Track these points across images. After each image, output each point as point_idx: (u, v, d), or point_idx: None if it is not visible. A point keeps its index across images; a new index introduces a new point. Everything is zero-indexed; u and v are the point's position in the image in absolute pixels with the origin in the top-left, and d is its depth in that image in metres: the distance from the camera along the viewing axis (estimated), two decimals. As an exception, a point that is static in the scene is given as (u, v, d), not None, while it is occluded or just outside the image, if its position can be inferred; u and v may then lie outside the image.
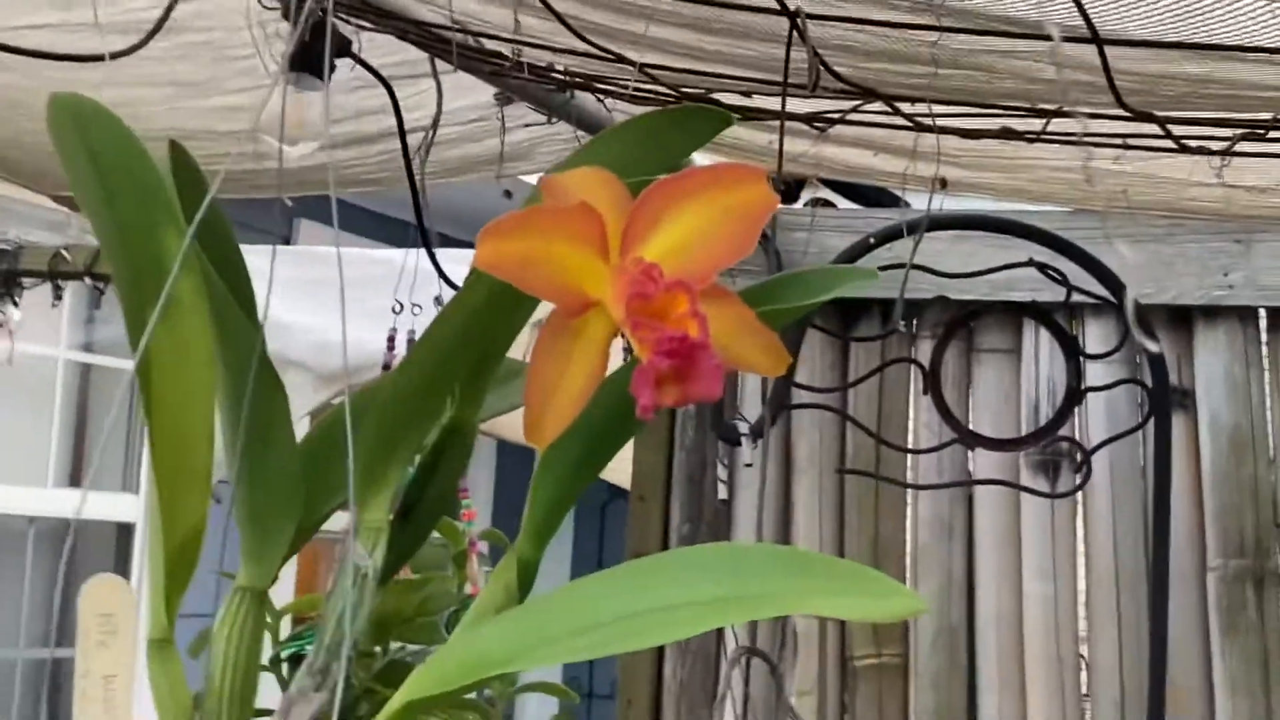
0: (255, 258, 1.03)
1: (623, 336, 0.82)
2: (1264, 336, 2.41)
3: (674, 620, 0.81)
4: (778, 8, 1.36)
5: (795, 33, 1.38)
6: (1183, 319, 2.43)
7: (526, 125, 2.30)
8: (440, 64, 1.89)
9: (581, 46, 1.68)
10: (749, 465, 1.91)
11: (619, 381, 0.89)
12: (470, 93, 2.24)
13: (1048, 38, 1.32)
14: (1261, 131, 1.70)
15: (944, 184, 1.82)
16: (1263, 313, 2.41)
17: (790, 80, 1.40)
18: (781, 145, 1.57)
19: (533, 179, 2.42)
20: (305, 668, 0.92)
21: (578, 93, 2.18)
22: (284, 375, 0.96)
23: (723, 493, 2.26)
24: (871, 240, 1.86)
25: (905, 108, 1.78)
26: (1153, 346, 2.23)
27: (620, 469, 4.66)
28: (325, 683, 0.91)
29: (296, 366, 3.16)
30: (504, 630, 0.87)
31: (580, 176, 0.86)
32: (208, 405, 0.91)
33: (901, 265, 1.91)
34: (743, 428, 1.71)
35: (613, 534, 7.04)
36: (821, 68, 1.33)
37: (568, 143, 2.43)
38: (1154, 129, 1.76)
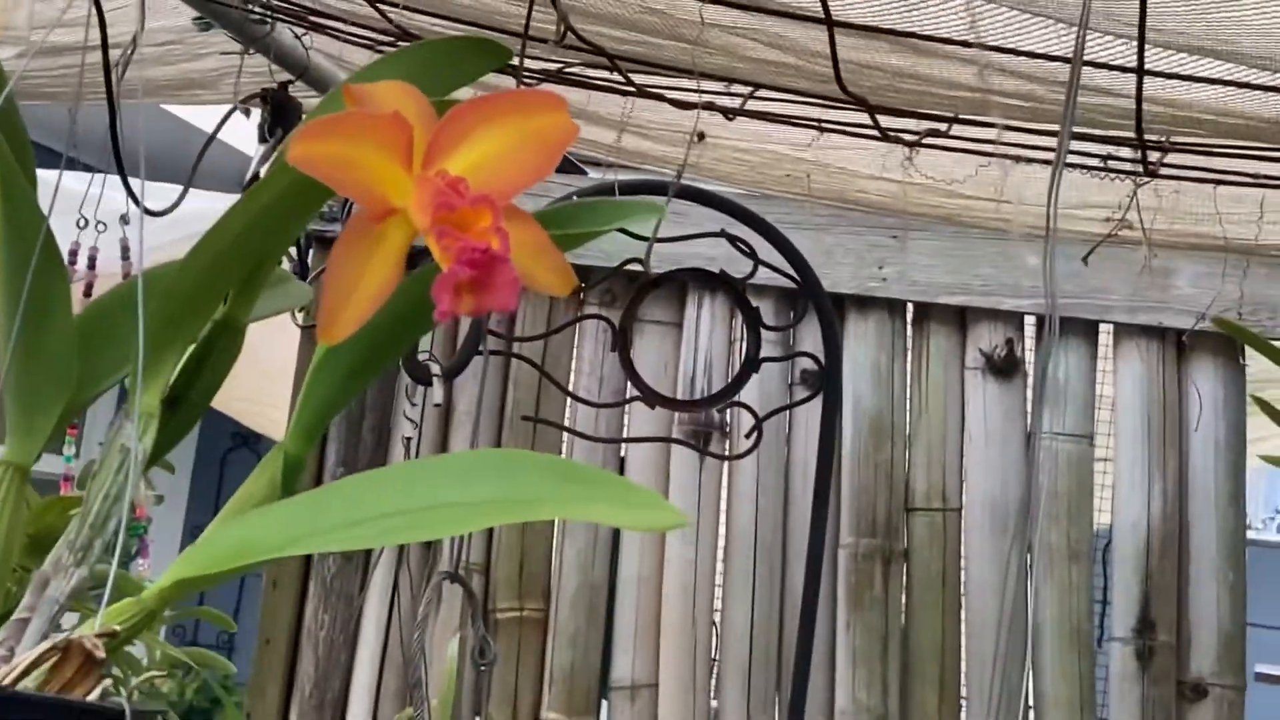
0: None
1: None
2: (909, 329, 2.56)
3: (450, 517, 0.85)
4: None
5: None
6: (836, 306, 2.55)
7: (223, 53, 2.28)
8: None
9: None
10: (438, 405, 1.94)
11: (405, 289, 0.92)
12: (164, 15, 2.22)
13: (780, 14, 1.40)
14: (945, 128, 1.82)
15: (701, 137, 1.89)
16: (910, 306, 2.56)
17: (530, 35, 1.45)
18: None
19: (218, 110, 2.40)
20: (64, 543, 0.93)
21: (278, 27, 2.18)
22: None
23: (409, 431, 2.28)
24: (575, 199, 1.91)
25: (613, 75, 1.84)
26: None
27: (257, 411, 4.59)
28: (86, 559, 0.92)
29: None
30: (278, 517, 0.90)
31: (389, 88, 0.89)
32: (-14, 278, 0.91)
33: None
34: (434, 368, 1.74)
35: (232, 483, 6.92)
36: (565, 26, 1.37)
37: (257, 76, 2.42)
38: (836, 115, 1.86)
